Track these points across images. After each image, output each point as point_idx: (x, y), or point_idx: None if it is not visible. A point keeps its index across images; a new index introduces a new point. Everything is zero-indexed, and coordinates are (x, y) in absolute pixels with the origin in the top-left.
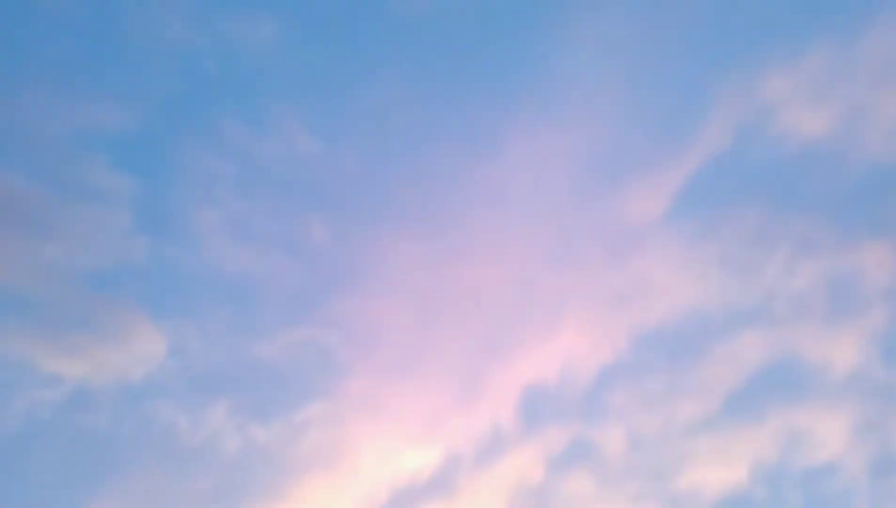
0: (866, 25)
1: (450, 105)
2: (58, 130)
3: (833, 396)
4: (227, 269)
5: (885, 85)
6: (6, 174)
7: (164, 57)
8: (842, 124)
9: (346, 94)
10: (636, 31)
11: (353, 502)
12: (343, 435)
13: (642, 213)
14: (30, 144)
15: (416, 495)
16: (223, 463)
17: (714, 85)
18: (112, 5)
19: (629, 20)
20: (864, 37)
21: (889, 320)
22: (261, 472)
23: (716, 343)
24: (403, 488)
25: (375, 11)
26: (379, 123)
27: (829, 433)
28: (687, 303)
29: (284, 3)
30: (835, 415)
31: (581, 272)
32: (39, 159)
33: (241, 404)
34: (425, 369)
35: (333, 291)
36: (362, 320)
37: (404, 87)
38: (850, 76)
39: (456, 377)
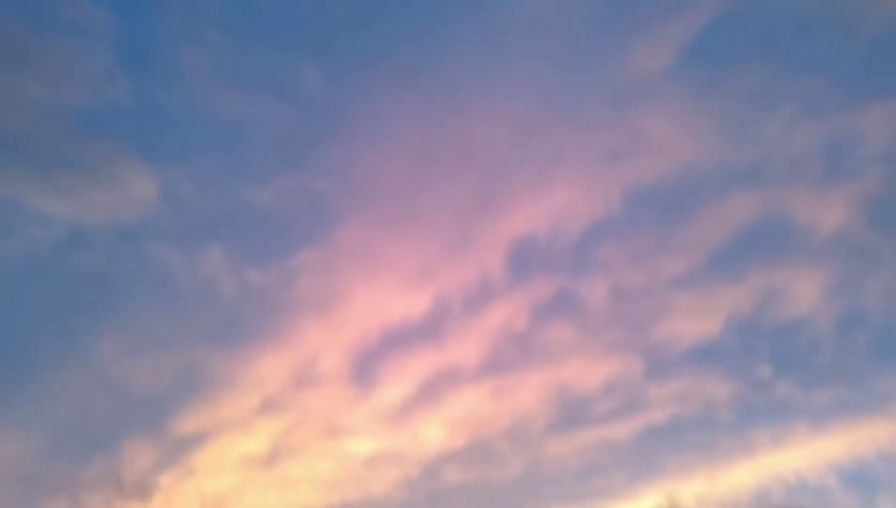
0: None
1: None
2: None
3: (814, 256)
4: (216, 112)
5: None
6: None
7: None
8: None
9: None
10: None
11: (346, 344)
12: (336, 281)
13: (645, 67)
14: None
15: (406, 339)
16: (220, 305)
17: None
18: None
19: None
20: None
21: (882, 183)
22: (257, 314)
23: (707, 202)
24: (394, 332)
25: None
26: None
27: (805, 291)
28: (683, 161)
29: None
30: (812, 274)
31: (578, 127)
32: None
33: (235, 248)
34: (417, 218)
35: (326, 138)
36: (355, 168)
37: None
38: None
39: (447, 227)
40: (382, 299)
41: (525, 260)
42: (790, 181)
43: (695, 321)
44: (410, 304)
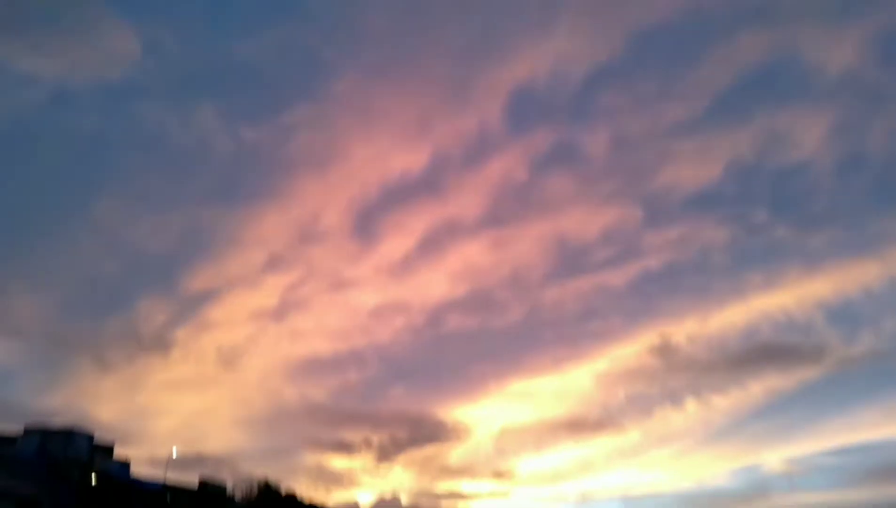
0: None
1: None
2: None
3: (821, 97)
4: None
5: None
6: None
7: None
8: None
9: None
10: None
11: (346, 199)
12: (332, 137)
13: None
14: None
15: (406, 193)
16: (217, 164)
17: None
18: None
19: None
20: None
21: None
22: (253, 173)
23: (714, 43)
24: (394, 186)
25: None
26: None
27: (808, 134)
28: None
29: None
30: (817, 116)
31: None
32: None
33: (227, 106)
34: (413, 69)
35: None
36: (346, 16)
37: None
38: None
39: (445, 76)
40: (381, 153)
41: (525, 109)
42: (802, 18)
43: (695, 167)
44: (409, 157)
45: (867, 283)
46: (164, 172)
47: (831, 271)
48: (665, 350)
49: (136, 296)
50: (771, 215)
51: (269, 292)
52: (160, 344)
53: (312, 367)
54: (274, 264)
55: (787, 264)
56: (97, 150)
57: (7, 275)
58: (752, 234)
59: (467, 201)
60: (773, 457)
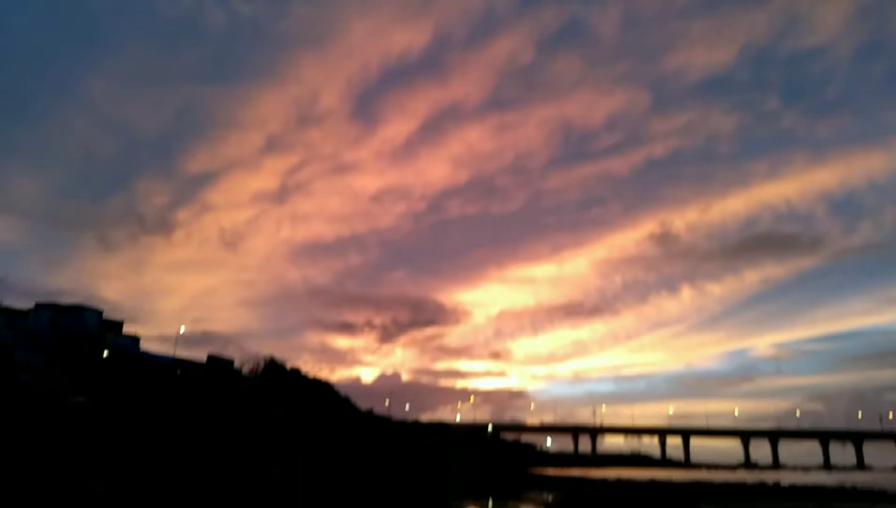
0: None
1: None
2: None
3: None
4: None
5: None
6: None
7: None
8: None
9: None
10: None
11: (346, 79)
12: (330, 10)
13: None
14: None
15: (408, 74)
16: (209, 39)
17: None
18: None
19: None
20: None
21: None
22: (249, 49)
23: None
24: (395, 66)
25: None
26: None
27: (828, 16)
28: None
29: None
30: None
31: None
32: None
33: None
34: None
35: None
36: None
37: None
38: None
39: None
40: (381, 28)
41: None
42: None
43: (709, 50)
44: (410, 35)
45: (872, 174)
46: (153, 48)
47: (837, 161)
48: (664, 238)
49: (134, 177)
50: (782, 101)
51: (268, 174)
52: (162, 225)
53: (314, 250)
54: (273, 146)
55: (793, 153)
56: (83, 21)
57: (5, 154)
58: (760, 121)
59: (470, 82)
60: (763, 343)
